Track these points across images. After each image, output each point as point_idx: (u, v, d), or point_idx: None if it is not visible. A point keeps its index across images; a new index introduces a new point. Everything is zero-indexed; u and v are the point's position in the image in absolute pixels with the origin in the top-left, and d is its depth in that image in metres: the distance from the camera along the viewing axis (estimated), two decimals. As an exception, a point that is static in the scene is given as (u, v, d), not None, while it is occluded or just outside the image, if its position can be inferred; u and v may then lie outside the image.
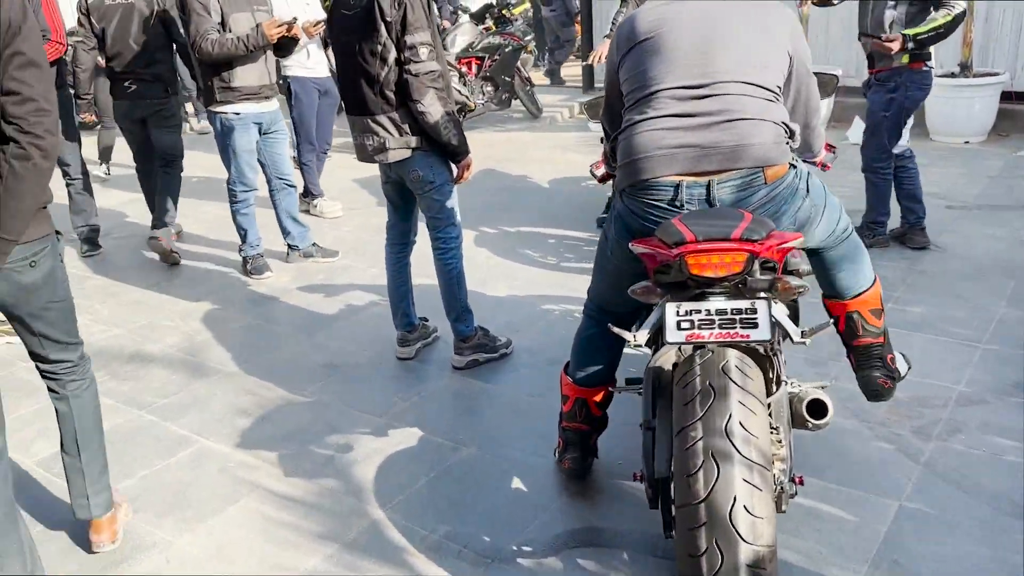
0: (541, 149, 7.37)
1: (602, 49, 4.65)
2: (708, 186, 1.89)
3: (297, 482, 2.63)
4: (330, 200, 5.68)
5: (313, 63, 5.26)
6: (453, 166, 3.13)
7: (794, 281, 1.76)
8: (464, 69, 8.04)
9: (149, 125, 4.77)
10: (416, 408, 3.05)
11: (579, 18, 11.39)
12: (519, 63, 8.21)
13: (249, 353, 3.60)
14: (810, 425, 1.97)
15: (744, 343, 1.71)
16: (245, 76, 4.14)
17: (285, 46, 4.31)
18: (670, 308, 1.76)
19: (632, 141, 1.97)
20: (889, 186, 4.19)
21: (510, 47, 8.10)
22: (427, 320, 3.58)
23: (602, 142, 5.17)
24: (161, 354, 3.62)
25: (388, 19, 2.79)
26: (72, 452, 2.29)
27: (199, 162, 7.38)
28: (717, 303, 1.75)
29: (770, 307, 1.72)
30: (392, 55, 2.85)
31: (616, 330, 1.96)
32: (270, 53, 4.26)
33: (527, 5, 10.42)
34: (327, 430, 2.93)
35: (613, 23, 4.78)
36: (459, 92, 7.54)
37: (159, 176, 4.85)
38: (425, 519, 2.40)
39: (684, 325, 1.73)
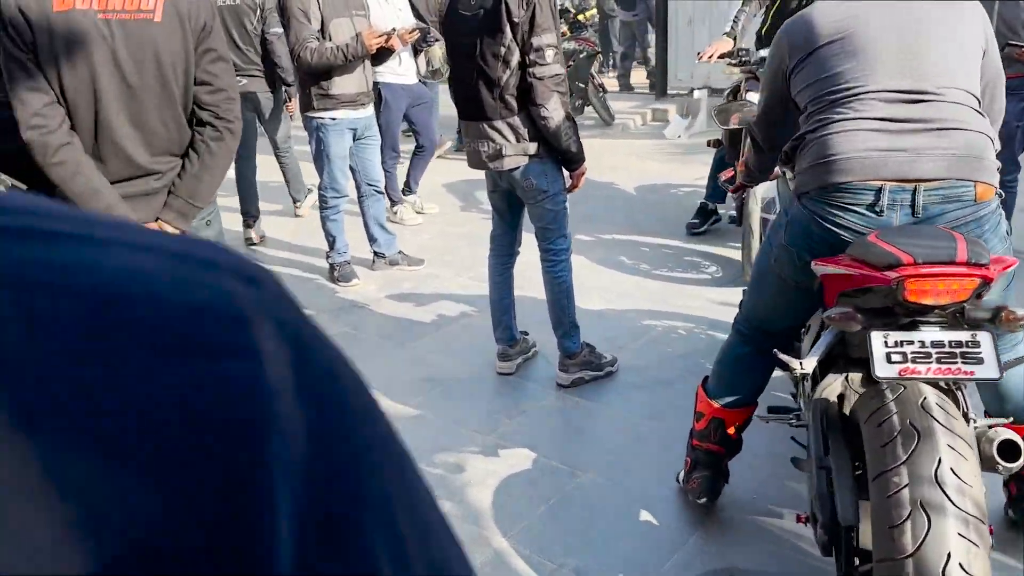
0: (617, 156, 7.22)
1: (717, 47, 4.49)
2: (914, 192, 1.73)
3: (412, 504, 2.52)
4: (410, 206, 5.63)
5: (404, 69, 5.19)
6: (566, 174, 3.02)
7: (1020, 311, 1.59)
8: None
9: (259, 118, 5.16)
10: (524, 427, 2.93)
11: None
12: (592, 69, 8.08)
13: (345, 363, 3.52)
14: (1000, 468, 1.80)
15: (968, 380, 1.55)
16: (344, 84, 4.09)
17: (379, 56, 4.25)
18: (876, 339, 1.61)
19: (829, 141, 1.83)
20: (1015, 201, 3.96)
21: (584, 53, 7.97)
22: (527, 334, 3.47)
23: (710, 146, 5.03)
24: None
25: (515, 20, 2.68)
26: None
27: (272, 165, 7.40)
28: (931, 334, 1.59)
29: (995, 340, 1.56)
30: (515, 58, 2.74)
31: (784, 358, 1.82)
32: (368, 61, 4.20)
33: (594, 10, 10.30)
34: (435, 448, 2.83)
35: (734, 21, 4.60)
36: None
37: (279, 159, 5.54)
38: (551, 551, 2.28)
39: (895, 358, 1.58)
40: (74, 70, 1.97)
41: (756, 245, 3.94)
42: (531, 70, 2.74)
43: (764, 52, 4.17)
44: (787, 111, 2.09)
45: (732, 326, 2.25)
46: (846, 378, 1.88)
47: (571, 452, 2.75)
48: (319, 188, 4.41)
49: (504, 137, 2.85)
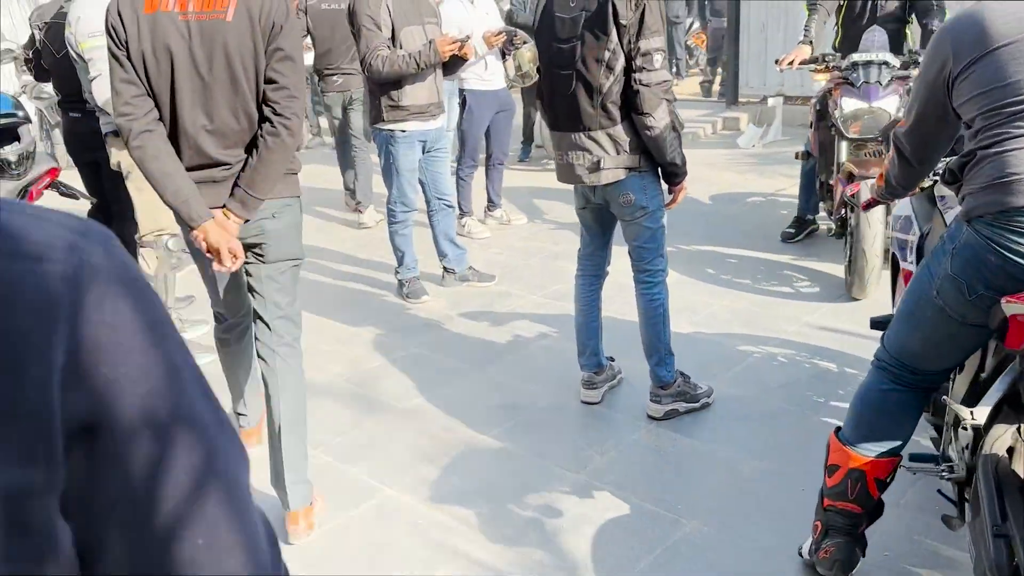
0: (689, 166, 6.92)
1: (797, 54, 4.25)
2: None
3: (501, 551, 2.32)
4: (474, 219, 5.46)
5: (490, 74, 5.03)
6: (664, 189, 2.80)
7: None
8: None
9: (349, 110, 5.69)
10: (617, 465, 2.71)
11: (705, 29, 10.97)
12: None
13: (420, 387, 3.35)
14: None
15: None
16: (415, 94, 3.92)
17: (452, 64, 4.08)
18: None
19: (1009, 159, 1.59)
20: None
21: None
22: (613, 359, 3.24)
23: (797, 158, 4.75)
24: (328, 384, 3.41)
25: (623, 22, 2.47)
26: (274, 435, 2.40)
27: (323, 175, 7.34)
28: None
29: None
30: (620, 63, 2.53)
31: (955, 406, 1.58)
32: (439, 69, 4.04)
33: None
34: (521, 486, 2.62)
35: (806, 30, 4.36)
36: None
37: (356, 153, 5.85)
38: (661, 611, 2.05)
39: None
40: (157, 66, 2.19)
41: (872, 264, 3.66)
42: (637, 76, 2.52)
43: (856, 56, 3.90)
44: (945, 123, 1.83)
45: (873, 363, 1.99)
46: (1018, 429, 1.62)
47: (671, 495, 2.52)
48: (387, 202, 4.26)
49: (603, 148, 2.64)
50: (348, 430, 3.05)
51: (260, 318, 2.44)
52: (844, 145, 3.98)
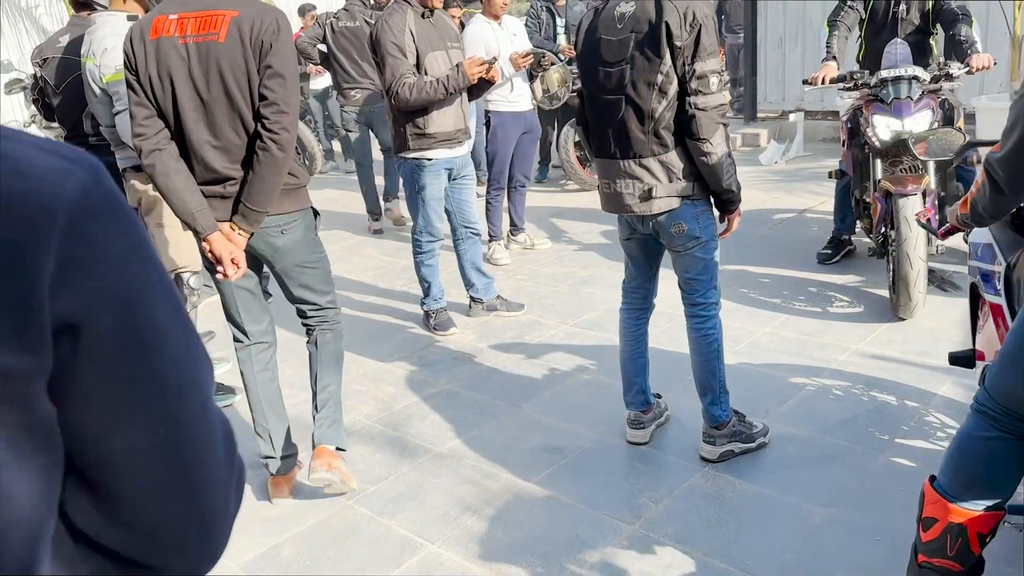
0: (712, 185, 6.78)
1: (824, 71, 4.12)
2: None
3: (560, 615, 2.15)
4: (501, 244, 5.31)
5: (516, 96, 4.90)
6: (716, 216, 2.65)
7: None
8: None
9: (372, 127, 6.05)
10: (674, 514, 2.53)
11: (722, 47, 10.86)
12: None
13: (454, 428, 3.18)
14: None
15: None
16: (442, 121, 3.79)
17: (479, 87, 3.94)
18: None
19: None
20: None
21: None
22: (660, 396, 3.08)
23: (831, 177, 4.60)
24: (359, 426, 3.25)
25: (677, 43, 2.33)
26: (313, 390, 2.73)
27: (339, 201, 7.24)
28: None
29: None
30: (674, 87, 2.39)
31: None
32: (465, 94, 3.90)
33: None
34: (574, 539, 2.45)
35: (828, 47, 4.23)
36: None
37: (386, 162, 6.25)
38: None
39: None
40: (163, 88, 2.35)
41: (919, 283, 3.51)
42: (693, 100, 2.37)
43: (885, 73, 3.75)
44: None
45: (973, 407, 1.81)
46: None
47: (737, 549, 2.34)
48: (413, 232, 4.12)
49: (655, 176, 2.49)
50: (384, 477, 2.88)
51: (297, 307, 2.70)
52: (879, 163, 3.84)
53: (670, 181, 2.49)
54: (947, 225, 2.20)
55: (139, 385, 0.59)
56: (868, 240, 4.61)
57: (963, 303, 3.85)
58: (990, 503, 1.74)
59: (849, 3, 4.27)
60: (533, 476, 2.80)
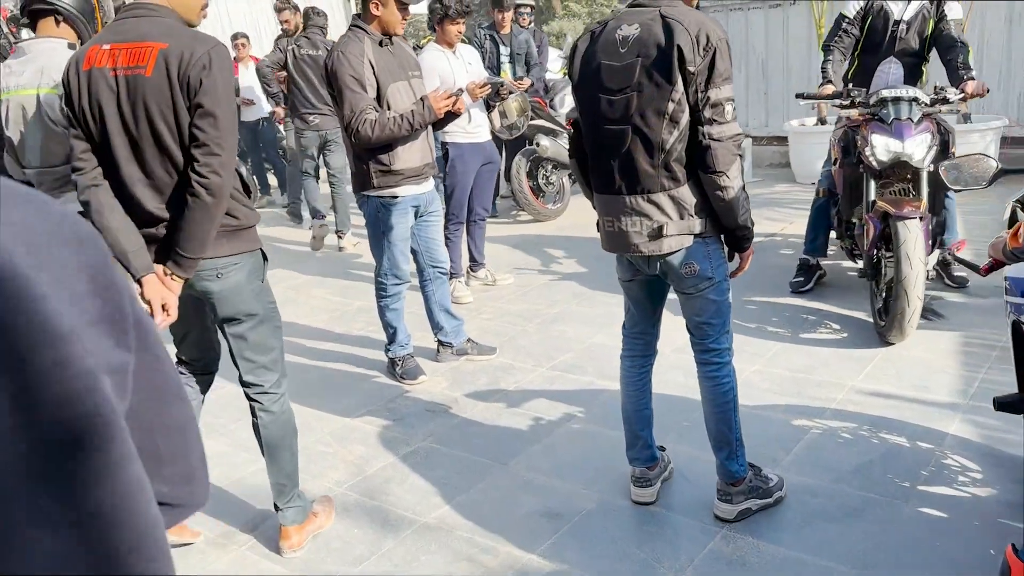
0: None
1: (821, 91, 4.08)
2: None
3: None
4: (462, 281, 5.05)
5: (475, 127, 4.66)
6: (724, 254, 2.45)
7: None
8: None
9: (324, 149, 6.36)
10: (699, 585, 2.29)
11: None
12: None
13: (439, 492, 2.88)
14: None
15: None
16: (408, 157, 3.52)
17: (443, 120, 3.70)
18: None
19: None
20: None
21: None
22: (664, 449, 2.84)
23: (820, 196, 4.52)
24: (331, 496, 2.91)
25: (691, 68, 2.12)
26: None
27: (278, 237, 6.88)
28: None
29: None
30: (686, 115, 2.18)
31: None
32: (430, 126, 3.64)
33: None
34: (593, 623, 2.17)
35: (824, 72, 4.15)
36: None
37: (334, 194, 6.40)
38: None
39: None
40: (95, 121, 2.21)
41: (914, 307, 3.42)
42: (707, 129, 2.17)
43: (887, 92, 3.67)
44: None
45: None
46: None
47: (778, 625, 2.11)
48: (377, 275, 3.81)
49: (665, 213, 2.27)
50: (367, 557, 2.56)
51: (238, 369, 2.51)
52: (873, 183, 3.76)
53: (681, 218, 2.28)
54: (990, 260, 2.05)
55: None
56: (850, 263, 4.55)
57: (951, 335, 3.77)
58: None
59: (846, 25, 4.23)
60: (535, 547, 2.53)
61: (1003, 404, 2.14)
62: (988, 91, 3.85)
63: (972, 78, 3.86)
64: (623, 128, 2.25)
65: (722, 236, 2.39)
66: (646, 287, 2.53)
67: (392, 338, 3.89)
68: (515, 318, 4.63)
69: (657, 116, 2.19)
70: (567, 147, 6.82)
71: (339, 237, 6.50)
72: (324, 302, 5.27)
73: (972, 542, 2.31)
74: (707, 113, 2.16)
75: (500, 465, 3.04)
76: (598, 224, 2.49)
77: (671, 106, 2.17)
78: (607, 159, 2.32)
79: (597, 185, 2.40)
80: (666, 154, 2.22)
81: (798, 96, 4.15)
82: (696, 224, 2.28)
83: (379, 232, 3.66)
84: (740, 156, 2.22)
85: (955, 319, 3.94)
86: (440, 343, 4.05)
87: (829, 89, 4.06)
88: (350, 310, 5.04)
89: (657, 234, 2.28)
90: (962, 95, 3.74)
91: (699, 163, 2.21)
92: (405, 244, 3.72)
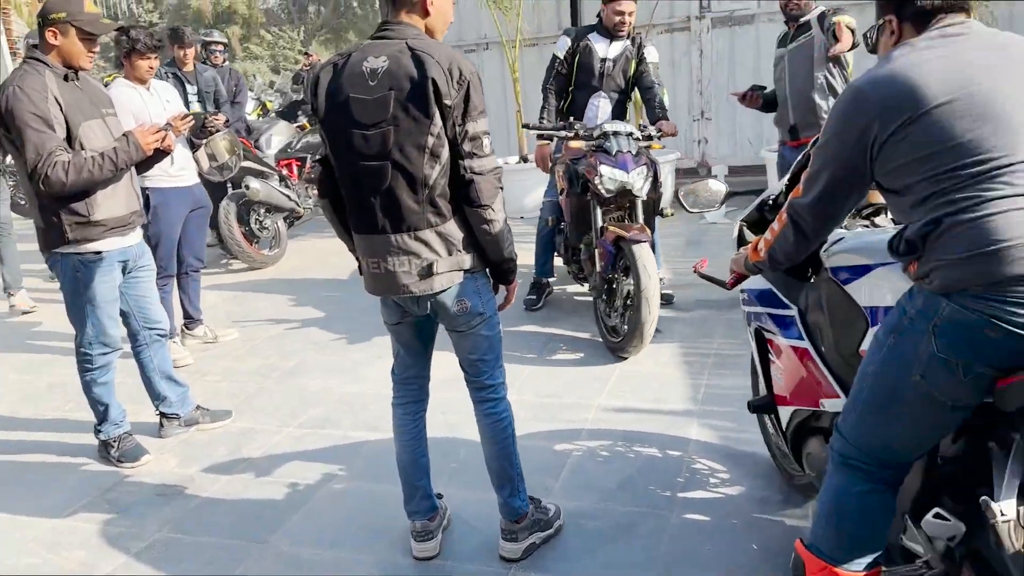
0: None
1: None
2: None
3: None
4: (177, 342, 4.51)
5: (178, 170, 4.18)
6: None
7: None
8: (285, 172, 7.11)
9: None
10: (500, 635, 2.19)
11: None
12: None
13: (190, 591, 2.47)
14: None
15: None
16: (111, 204, 3.06)
17: (149, 160, 3.26)
18: None
19: (990, 226, 1.48)
20: None
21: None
22: (442, 496, 2.72)
23: (556, 224, 4.82)
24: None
25: (447, 102, 2.04)
26: None
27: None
28: None
29: None
30: (446, 150, 2.10)
31: (996, 506, 1.41)
32: (134, 168, 3.20)
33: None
34: None
35: (541, 121, 4.46)
36: (287, 197, 6.61)
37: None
38: None
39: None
40: None
41: (653, 318, 3.77)
42: (468, 163, 2.11)
43: (608, 126, 4.02)
44: (857, 192, 1.73)
45: (836, 462, 1.78)
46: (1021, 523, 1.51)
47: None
48: (79, 345, 3.24)
49: (433, 250, 2.17)
50: None
51: None
52: (600, 211, 4.12)
53: (450, 254, 2.20)
54: (734, 274, 2.22)
55: None
56: (576, 287, 4.91)
57: (671, 347, 4.12)
58: (871, 560, 1.71)
59: (557, 65, 4.60)
60: (316, 631, 2.26)
61: (757, 407, 2.34)
62: (676, 132, 4.40)
63: (667, 118, 4.44)
64: (382, 164, 2.12)
65: (487, 270, 2.35)
66: (415, 329, 2.41)
67: (103, 416, 3.33)
68: (248, 376, 4.23)
69: (418, 151, 2.09)
70: (279, 189, 6.53)
71: (9, 296, 5.72)
72: (2, 380, 4.41)
73: (735, 541, 2.48)
74: (467, 147, 2.11)
75: (258, 545, 2.70)
76: (360, 267, 2.32)
77: (431, 140, 2.08)
78: (367, 197, 2.17)
79: (357, 225, 2.24)
80: (430, 189, 2.13)
81: (524, 126, 4.43)
82: (466, 260, 2.22)
83: (79, 295, 3.12)
84: (500, 188, 2.20)
85: (671, 333, 4.33)
86: (163, 415, 3.55)
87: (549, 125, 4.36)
88: (38, 388, 4.27)
89: (427, 273, 2.18)
90: (660, 133, 4.24)
91: (463, 198, 2.15)
92: (113, 306, 3.21)
